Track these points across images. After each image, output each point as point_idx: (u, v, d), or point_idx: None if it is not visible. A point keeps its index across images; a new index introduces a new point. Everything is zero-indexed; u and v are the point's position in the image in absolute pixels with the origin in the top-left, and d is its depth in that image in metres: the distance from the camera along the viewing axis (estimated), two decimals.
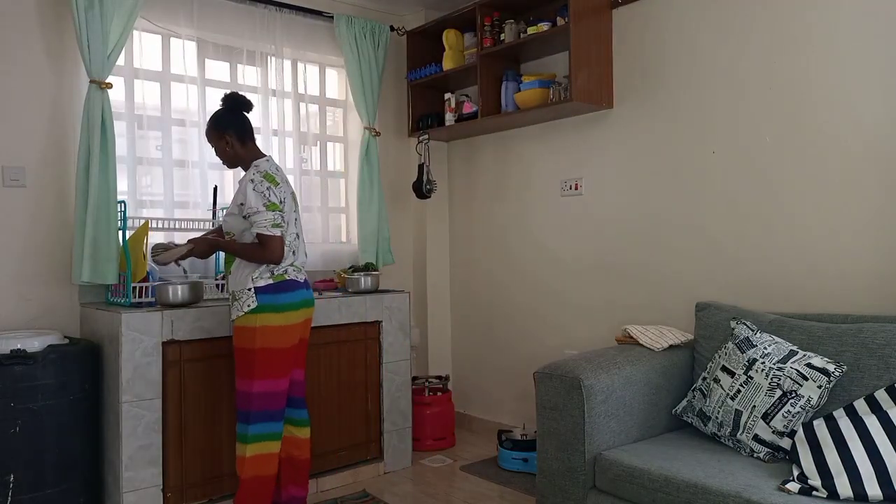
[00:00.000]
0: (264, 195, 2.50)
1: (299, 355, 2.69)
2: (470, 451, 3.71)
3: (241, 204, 2.54)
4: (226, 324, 2.86)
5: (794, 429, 2.14)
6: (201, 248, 2.65)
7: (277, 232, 2.50)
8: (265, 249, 2.49)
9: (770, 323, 2.48)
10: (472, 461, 3.53)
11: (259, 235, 2.49)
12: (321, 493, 3.11)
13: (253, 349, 2.50)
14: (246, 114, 2.67)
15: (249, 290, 2.50)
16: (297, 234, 2.66)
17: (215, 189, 3.25)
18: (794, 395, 2.17)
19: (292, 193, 2.66)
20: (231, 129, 2.61)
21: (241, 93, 2.70)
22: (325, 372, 3.18)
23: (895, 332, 2.15)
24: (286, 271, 2.56)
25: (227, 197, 3.47)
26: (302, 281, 2.62)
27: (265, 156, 2.66)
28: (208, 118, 2.67)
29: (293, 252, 2.61)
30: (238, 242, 2.58)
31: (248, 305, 2.49)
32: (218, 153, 2.68)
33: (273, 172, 2.58)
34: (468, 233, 4.14)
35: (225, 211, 2.83)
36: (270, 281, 2.52)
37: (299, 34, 3.68)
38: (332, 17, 3.72)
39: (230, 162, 2.67)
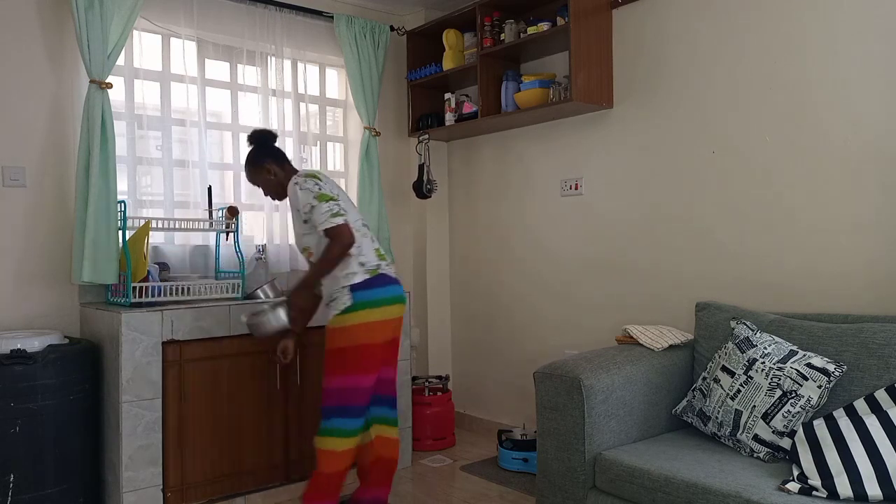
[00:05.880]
0: (311, 191, 2.49)
1: (390, 353, 2.65)
2: (470, 451, 3.71)
3: (297, 210, 2.54)
4: (225, 323, 2.86)
5: (794, 429, 2.14)
6: (297, 299, 2.56)
7: (339, 220, 2.44)
8: (334, 242, 2.43)
9: (770, 323, 2.48)
10: (472, 461, 3.53)
11: (324, 232, 2.46)
12: None
13: (347, 347, 2.47)
14: (274, 144, 2.75)
15: (345, 288, 2.48)
16: (367, 227, 2.64)
17: (210, 189, 3.25)
18: (794, 394, 2.17)
19: (344, 196, 2.65)
20: (268, 159, 2.69)
21: (258, 129, 2.78)
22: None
23: (895, 332, 2.15)
24: (378, 265, 2.55)
25: (225, 197, 3.48)
26: (393, 276, 2.60)
27: None
28: (245, 163, 2.74)
29: (372, 239, 2.61)
30: (321, 257, 2.47)
31: (344, 303, 2.46)
32: (265, 189, 2.72)
33: (316, 173, 2.59)
34: (468, 233, 4.14)
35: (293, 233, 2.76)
36: (367, 276, 2.49)
37: (299, 34, 3.68)
38: (332, 17, 3.72)
39: (280, 190, 2.70)
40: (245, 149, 2.79)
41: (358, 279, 2.48)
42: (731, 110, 2.86)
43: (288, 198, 2.62)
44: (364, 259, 2.53)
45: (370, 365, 2.50)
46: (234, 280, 3.04)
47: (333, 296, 2.50)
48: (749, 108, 2.80)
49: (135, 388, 2.62)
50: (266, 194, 2.76)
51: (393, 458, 2.70)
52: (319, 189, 2.50)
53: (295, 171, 2.70)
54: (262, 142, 2.74)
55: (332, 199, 2.49)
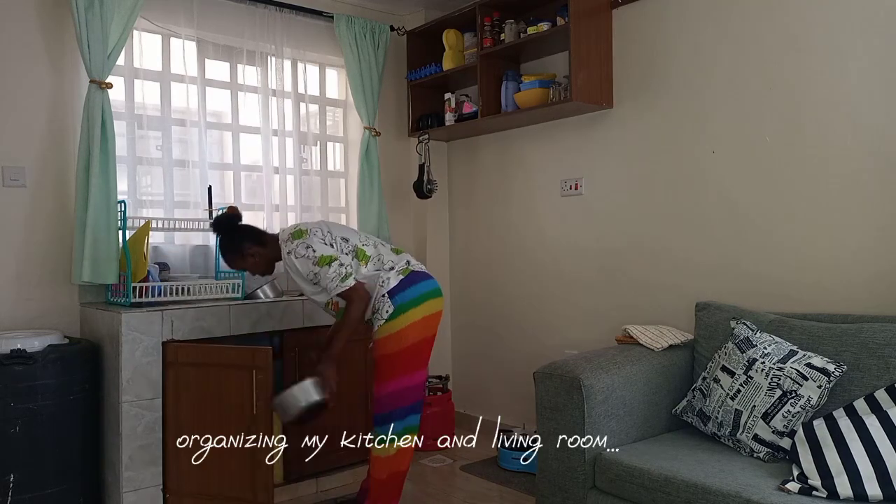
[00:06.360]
0: (308, 257, 2.48)
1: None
2: (470, 451, 3.71)
3: (303, 276, 2.53)
4: (225, 323, 2.86)
5: (794, 429, 2.14)
6: (330, 371, 2.45)
7: (350, 282, 2.47)
8: (352, 304, 2.47)
9: (770, 323, 2.48)
10: (472, 461, 3.53)
11: (340, 296, 2.49)
12: (321, 493, 3.11)
13: (400, 350, 2.49)
14: (241, 223, 2.69)
15: (384, 296, 2.50)
16: (374, 244, 2.64)
17: (210, 189, 3.25)
18: (793, 394, 2.17)
19: (334, 225, 2.65)
20: (245, 241, 2.62)
21: (221, 214, 2.72)
22: None
23: (895, 332, 2.15)
24: (408, 263, 2.59)
25: (225, 197, 3.48)
26: (425, 271, 2.63)
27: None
28: (219, 251, 2.66)
29: (382, 243, 2.64)
30: (344, 321, 2.48)
31: (387, 311, 2.49)
32: (252, 269, 2.67)
33: (301, 230, 2.55)
34: (468, 233, 4.14)
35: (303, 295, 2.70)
36: (400, 276, 2.53)
37: (299, 34, 3.68)
38: (332, 16, 3.72)
39: (268, 265, 2.67)
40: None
41: (393, 283, 2.51)
42: (732, 110, 2.86)
43: (286, 266, 2.58)
44: (391, 263, 2.56)
45: (422, 361, 2.56)
46: (234, 280, 3.04)
47: (375, 307, 2.52)
48: (749, 108, 2.80)
49: (135, 388, 2.62)
50: (254, 274, 2.72)
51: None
52: (314, 252, 2.48)
53: (275, 239, 2.63)
54: (231, 226, 2.66)
55: (332, 259, 2.47)
